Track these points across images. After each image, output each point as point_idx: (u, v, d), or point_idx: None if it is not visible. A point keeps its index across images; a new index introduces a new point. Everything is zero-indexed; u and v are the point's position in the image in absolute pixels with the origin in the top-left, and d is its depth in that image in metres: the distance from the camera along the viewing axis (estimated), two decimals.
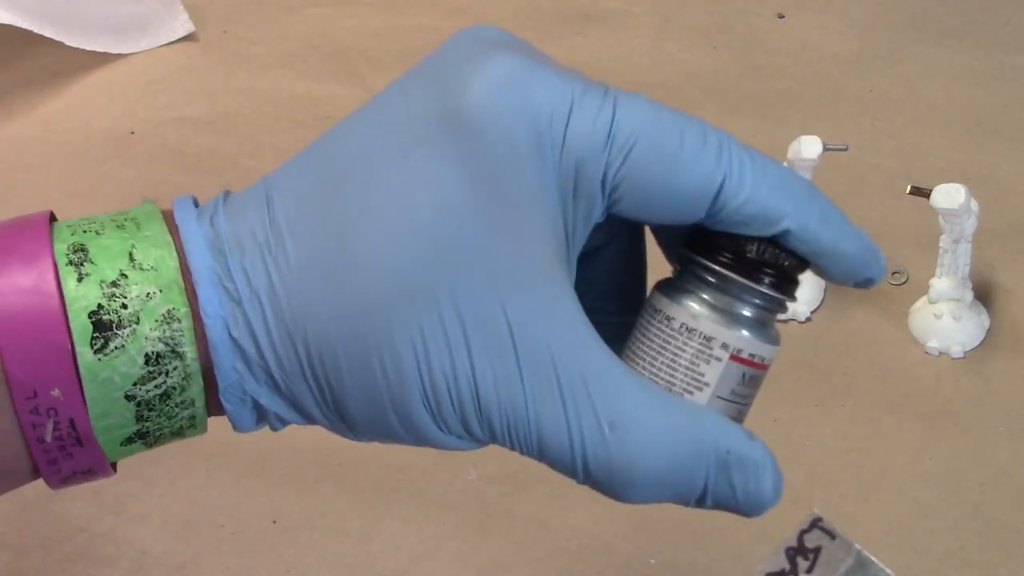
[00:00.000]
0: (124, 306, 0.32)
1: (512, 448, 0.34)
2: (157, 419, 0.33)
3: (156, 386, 0.32)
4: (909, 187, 0.67)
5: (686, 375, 0.34)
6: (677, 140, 0.34)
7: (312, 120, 0.87)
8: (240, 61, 0.93)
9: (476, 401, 0.32)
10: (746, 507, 0.33)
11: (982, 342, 0.69)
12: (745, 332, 0.34)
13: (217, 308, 0.33)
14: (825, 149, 0.68)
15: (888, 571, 0.31)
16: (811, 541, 0.32)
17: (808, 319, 0.71)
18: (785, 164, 0.70)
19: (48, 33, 0.88)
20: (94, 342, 0.32)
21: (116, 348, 0.32)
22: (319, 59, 0.93)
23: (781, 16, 0.96)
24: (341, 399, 0.33)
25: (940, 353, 0.68)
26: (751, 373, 0.35)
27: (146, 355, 0.32)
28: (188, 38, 0.95)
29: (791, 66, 0.90)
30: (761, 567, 0.33)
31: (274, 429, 0.35)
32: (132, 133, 0.87)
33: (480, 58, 0.34)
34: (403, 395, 0.32)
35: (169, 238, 0.33)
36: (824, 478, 0.62)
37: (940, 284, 0.68)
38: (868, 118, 0.85)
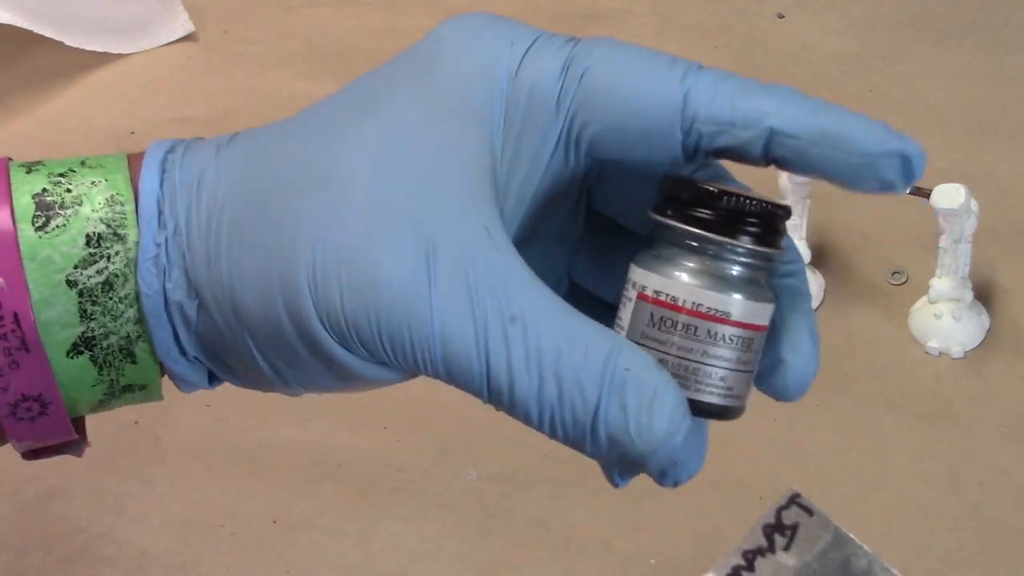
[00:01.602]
0: (68, 190, 0.32)
1: (409, 357, 0.31)
2: (101, 318, 0.32)
3: (98, 271, 0.32)
4: (909, 187, 0.67)
5: (613, 321, 0.32)
6: (635, 59, 0.32)
7: None
8: (240, 61, 0.93)
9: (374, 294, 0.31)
10: (638, 439, 0.30)
11: (982, 342, 0.69)
12: (655, 274, 0.32)
13: (153, 193, 0.33)
14: None
15: (866, 547, 0.31)
16: (789, 518, 0.31)
17: None
18: None
19: (48, 33, 0.87)
20: (36, 219, 0.32)
21: (57, 227, 0.32)
22: (319, 59, 0.93)
23: (781, 16, 0.95)
24: (236, 285, 0.32)
25: (940, 353, 0.68)
26: (662, 314, 0.31)
27: (87, 235, 0.32)
28: (188, 38, 0.95)
29: (791, 66, 0.90)
30: (738, 544, 0.32)
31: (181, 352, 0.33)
32: (132, 133, 0.87)
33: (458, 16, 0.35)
34: (292, 273, 0.31)
35: (123, 158, 0.34)
36: (824, 478, 0.62)
37: (940, 284, 0.68)
38: None
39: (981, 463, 0.63)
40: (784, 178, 0.70)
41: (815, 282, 0.72)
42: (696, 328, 0.32)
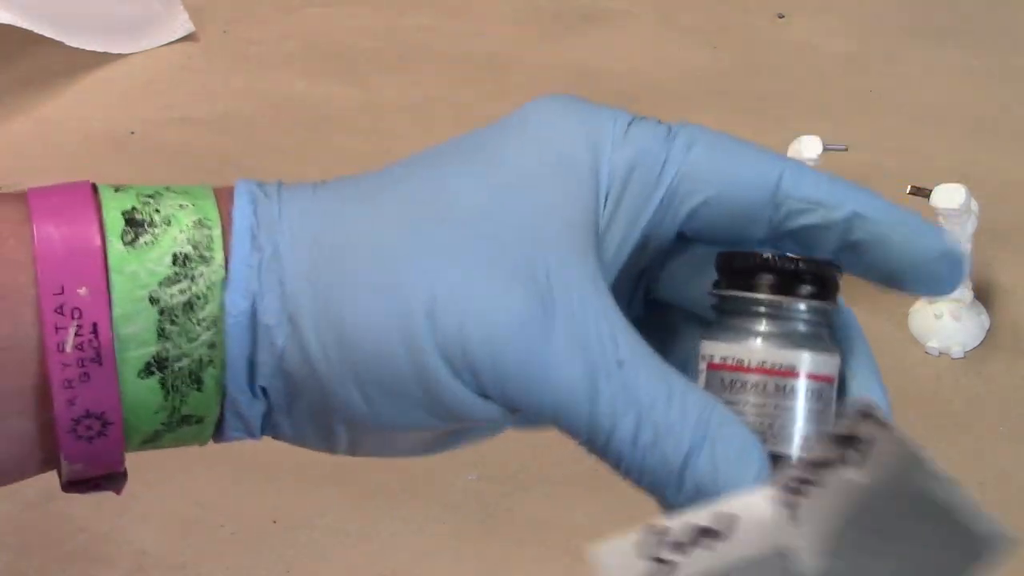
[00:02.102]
0: (157, 211, 0.33)
1: (520, 393, 0.32)
2: (178, 338, 0.32)
3: (180, 291, 0.32)
4: (909, 187, 0.67)
5: None
6: (735, 141, 0.35)
7: (312, 120, 0.87)
8: (240, 61, 0.93)
9: (492, 335, 0.32)
10: (725, 490, 0.32)
11: (982, 342, 0.69)
12: (723, 342, 0.34)
13: (247, 218, 0.33)
14: (825, 149, 0.68)
15: (946, 474, 0.28)
16: (864, 431, 0.29)
17: None
18: None
19: (48, 33, 0.88)
20: (125, 235, 0.32)
21: (145, 243, 0.32)
22: (319, 59, 0.93)
23: (781, 16, 0.96)
24: (346, 314, 0.32)
25: (940, 353, 0.68)
26: (733, 377, 0.33)
27: (174, 255, 0.32)
28: (188, 38, 0.96)
29: (791, 66, 0.90)
30: (803, 455, 0.30)
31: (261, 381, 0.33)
32: (132, 133, 0.87)
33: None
34: (409, 301, 0.32)
35: (209, 187, 0.35)
36: None
37: None
38: (868, 118, 0.85)
39: (981, 463, 0.63)
40: None
41: None
42: (766, 385, 0.33)
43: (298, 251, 0.33)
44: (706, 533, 0.30)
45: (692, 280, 0.36)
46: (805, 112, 0.86)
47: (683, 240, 0.35)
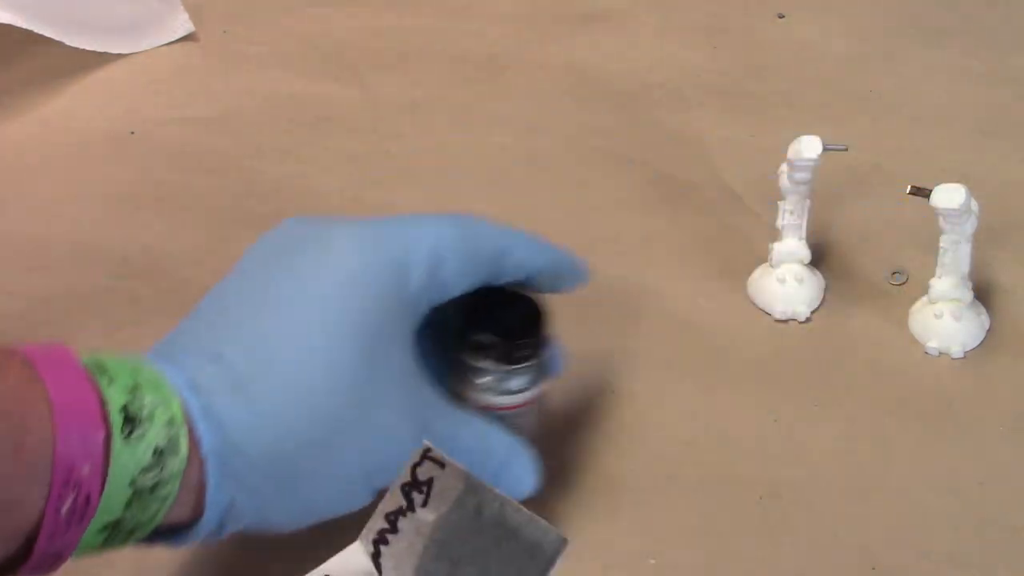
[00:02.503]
0: (142, 407, 0.40)
1: None
2: (138, 513, 0.41)
3: (153, 477, 0.40)
4: (909, 187, 0.67)
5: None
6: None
7: (312, 120, 0.87)
8: (240, 61, 0.93)
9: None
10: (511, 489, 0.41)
11: (982, 342, 0.69)
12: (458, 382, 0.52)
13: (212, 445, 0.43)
14: (825, 149, 0.68)
15: (496, 491, 0.30)
16: (423, 474, 0.32)
17: (808, 319, 0.71)
18: (784, 165, 0.70)
19: (48, 33, 0.88)
20: (124, 429, 0.40)
21: (137, 437, 0.40)
22: (319, 59, 0.93)
23: (781, 16, 0.96)
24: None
25: (940, 353, 0.68)
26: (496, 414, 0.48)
27: (155, 447, 0.40)
28: (188, 38, 0.95)
29: (791, 66, 0.90)
30: (380, 507, 0.32)
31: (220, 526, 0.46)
32: (132, 133, 0.87)
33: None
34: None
35: (161, 374, 0.43)
36: (824, 478, 0.62)
37: (940, 284, 0.68)
38: (868, 118, 0.85)
39: (981, 463, 0.63)
40: (784, 178, 0.70)
41: (815, 282, 0.72)
42: (503, 416, 0.50)
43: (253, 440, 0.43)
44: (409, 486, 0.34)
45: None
46: (805, 112, 0.86)
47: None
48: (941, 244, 0.67)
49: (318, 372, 0.42)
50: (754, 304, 0.72)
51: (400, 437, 0.41)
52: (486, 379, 0.51)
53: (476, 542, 0.30)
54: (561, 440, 0.65)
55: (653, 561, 0.59)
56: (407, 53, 0.94)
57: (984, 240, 0.72)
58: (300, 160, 0.83)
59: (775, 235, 0.72)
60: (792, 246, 0.71)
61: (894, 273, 0.73)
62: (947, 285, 0.68)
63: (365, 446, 0.41)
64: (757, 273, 0.73)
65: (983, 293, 0.71)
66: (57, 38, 0.88)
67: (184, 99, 0.90)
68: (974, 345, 0.68)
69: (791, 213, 0.71)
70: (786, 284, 0.71)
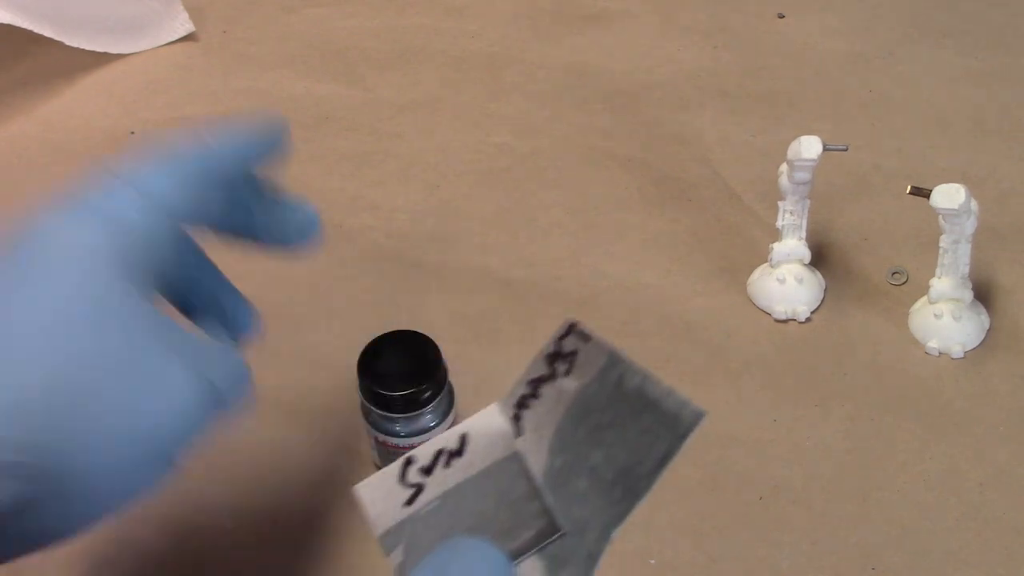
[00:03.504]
0: None
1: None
2: None
3: None
4: (909, 187, 0.67)
5: None
6: None
7: (312, 120, 0.87)
8: (240, 61, 0.93)
9: None
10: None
11: (982, 342, 0.69)
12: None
13: None
14: (825, 149, 0.68)
15: (637, 365, 0.31)
16: (568, 345, 0.33)
17: (808, 319, 0.71)
18: (784, 165, 0.70)
19: (48, 33, 0.88)
20: None
21: None
22: (319, 59, 0.93)
23: (781, 16, 0.96)
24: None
25: (940, 353, 0.68)
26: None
27: None
28: (188, 38, 0.95)
29: (791, 66, 0.90)
30: (522, 374, 0.33)
31: None
32: (132, 133, 0.87)
33: None
34: None
35: None
36: (824, 478, 0.62)
37: (940, 284, 0.68)
38: (868, 118, 0.85)
39: (981, 463, 0.63)
40: (784, 178, 0.70)
41: (815, 282, 0.72)
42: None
43: None
44: (445, 454, 0.35)
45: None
46: (805, 112, 0.86)
47: None
48: (941, 244, 0.67)
49: (53, 349, 0.38)
50: (754, 304, 0.72)
51: (166, 379, 0.38)
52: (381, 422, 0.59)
53: (616, 410, 0.31)
54: None
55: (653, 561, 0.59)
56: (407, 53, 0.94)
57: (984, 240, 0.72)
58: (300, 160, 0.83)
59: (775, 235, 0.72)
60: (792, 246, 0.71)
61: (894, 273, 0.73)
62: (947, 285, 0.68)
63: (126, 404, 0.38)
64: (757, 273, 0.73)
65: (983, 293, 0.71)
66: (57, 38, 0.88)
67: (184, 99, 0.90)
68: (974, 345, 0.68)
69: (791, 213, 0.71)
70: (786, 284, 0.71)
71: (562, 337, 0.33)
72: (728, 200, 0.79)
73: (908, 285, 0.72)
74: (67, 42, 0.89)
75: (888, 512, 0.61)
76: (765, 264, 0.72)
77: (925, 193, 0.66)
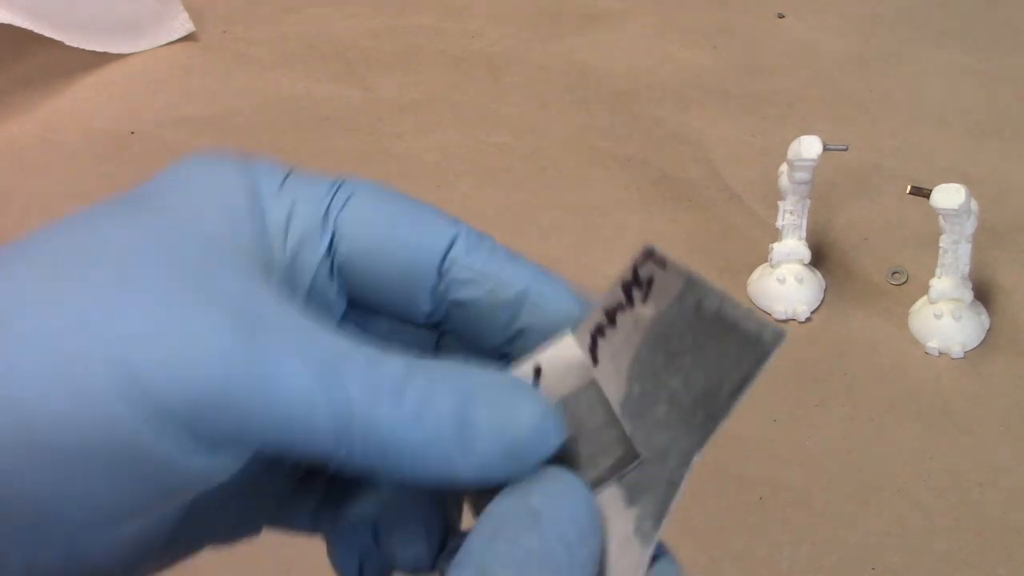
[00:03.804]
0: None
1: (242, 424, 0.28)
2: None
3: None
4: (909, 187, 0.67)
5: None
6: (405, 199, 0.32)
7: (312, 120, 0.87)
8: (240, 61, 0.93)
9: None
10: (518, 418, 0.29)
11: (982, 342, 0.69)
12: None
13: None
14: (825, 149, 0.68)
15: (716, 288, 0.31)
16: (644, 273, 0.32)
17: (808, 319, 0.71)
18: (784, 165, 0.70)
19: (48, 33, 0.88)
20: None
21: None
22: (319, 59, 0.93)
23: (781, 16, 0.96)
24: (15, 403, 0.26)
25: (940, 353, 0.68)
26: None
27: None
28: (188, 38, 0.96)
29: (791, 66, 0.90)
30: (598, 303, 0.33)
31: None
32: (132, 133, 0.87)
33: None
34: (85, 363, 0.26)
35: None
36: (824, 478, 0.62)
37: (940, 284, 0.68)
38: (868, 118, 0.85)
39: (981, 463, 0.63)
40: (784, 178, 0.70)
41: (815, 282, 0.72)
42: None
43: None
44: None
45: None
46: (805, 112, 0.86)
47: (356, 307, 0.32)
48: (941, 244, 0.67)
49: None
50: (754, 304, 0.72)
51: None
52: None
53: (694, 335, 0.31)
54: None
55: None
56: (407, 53, 0.94)
57: (984, 240, 0.72)
58: (300, 160, 0.83)
59: (775, 235, 0.72)
60: (792, 246, 0.71)
61: (894, 273, 0.73)
62: (947, 285, 0.68)
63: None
64: (757, 273, 0.73)
65: (983, 293, 0.71)
66: (57, 38, 0.88)
67: (184, 99, 0.90)
68: (974, 345, 0.68)
69: (791, 213, 0.71)
70: (786, 284, 0.71)
71: (638, 264, 0.32)
72: (728, 200, 0.79)
73: (908, 285, 0.72)
74: (67, 42, 0.89)
75: (888, 512, 0.61)
76: (765, 264, 0.72)
77: (925, 193, 0.66)
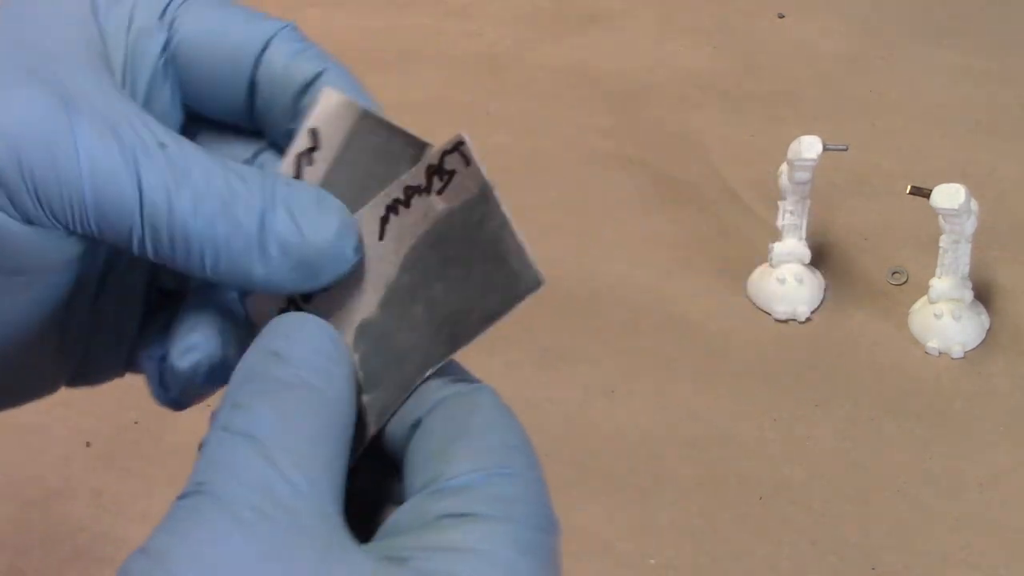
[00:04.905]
0: None
1: (55, 197, 0.29)
2: None
3: None
4: (909, 187, 0.67)
5: None
6: (244, 7, 0.34)
7: None
8: None
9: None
10: (312, 236, 0.31)
11: (982, 342, 0.69)
12: None
13: None
14: (825, 149, 0.68)
15: (504, 210, 0.31)
16: (449, 163, 0.32)
17: (808, 319, 0.71)
18: (784, 165, 0.70)
19: None
20: None
21: None
22: None
23: (781, 16, 0.96)
24: None
25: (940, 353, 0.68)
26: None
27: None
28: None
29: (791, 66, 0.90)
30: (404, 178, 0.33)
31: None
32: None
33: None
34: None
35: None
36: (824, 478, 0.62)
37: (940, 284, 0.68)
38: (868, 118, 0.85)
39: (981, 463, 0.63)
40: (784, 178, 0.70)
41: (815, 282, 0.72)
42: None
43: None
44: (303, 154, 0.33)
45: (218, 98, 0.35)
46: (805, 112, 0.86)
47: (192, 122, 0.34)
48: (941, 244, 0.67)
49: None
50: (754, 304, 0.72)
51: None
52: None
53: (469, 249, 0.31)
54: (561, 440, 0.65)
55: (653, 561, 0.59)
56: (407, 53, 0.94)
57: (984, 240, 0.72)
58: None
59: (775, 235, 0.72)
60: (792, 246, 0.71)
61: (894, 273, 0.73)
62: (947, 285, 0.68)
63: None
64: (757, 273, 0.73)
65: (983, 293, 0.71)
66: None
67: None
68: (974, 345, 0.68)
69: (791, 213, 0.71)
70: (786, 284, 0.71)
71: (447, 152, 0.32)
72: (728, 200, 0.79)
73: (908, 285, 0.72)
74: None
75: (888, 512, 0.61)
76: (765, 264, 0.72)
77: (925, 193, 0.66)
